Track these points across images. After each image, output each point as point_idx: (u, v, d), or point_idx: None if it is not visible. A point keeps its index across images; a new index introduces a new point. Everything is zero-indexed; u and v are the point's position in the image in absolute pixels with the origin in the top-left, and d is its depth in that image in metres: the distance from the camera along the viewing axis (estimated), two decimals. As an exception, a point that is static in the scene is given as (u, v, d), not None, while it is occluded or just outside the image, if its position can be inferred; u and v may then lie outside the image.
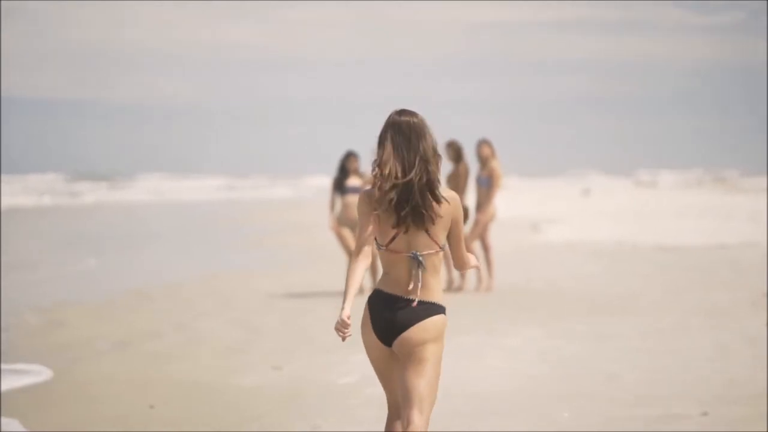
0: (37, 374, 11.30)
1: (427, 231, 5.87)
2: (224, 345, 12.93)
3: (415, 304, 5.88)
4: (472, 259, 6.18)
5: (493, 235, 18.28)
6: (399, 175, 5.86)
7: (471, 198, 18.52)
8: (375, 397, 9.73)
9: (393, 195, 5.84)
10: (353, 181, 17.58)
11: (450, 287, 17.47)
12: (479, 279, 17.69)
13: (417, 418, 5.85)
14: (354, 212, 17.18)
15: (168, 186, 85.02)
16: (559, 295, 16.76)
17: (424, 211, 5.85)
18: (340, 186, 17.78)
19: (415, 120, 5.93)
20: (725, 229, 30.55)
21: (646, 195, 63.70)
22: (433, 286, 5.92)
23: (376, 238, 5.93)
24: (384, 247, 5.91)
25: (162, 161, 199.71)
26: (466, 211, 17.59)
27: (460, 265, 6.13)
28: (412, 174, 5.84)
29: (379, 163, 5.92)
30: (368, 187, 6.03)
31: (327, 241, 25.59)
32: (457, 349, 11.98)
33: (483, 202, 17.77)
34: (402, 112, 5.97)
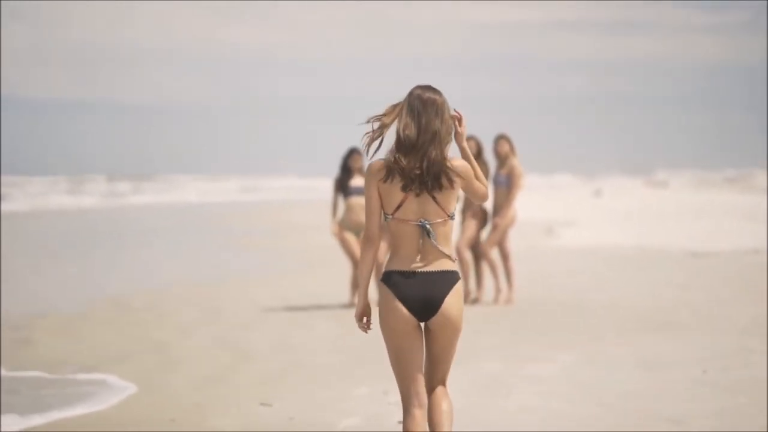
0: None
1: (434, 198, 5.86)
2: (204, 371, 11.03)
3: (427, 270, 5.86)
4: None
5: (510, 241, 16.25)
6: (415, 138, 5.86)
7: (489, 200, 16.55)
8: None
9: (409, 158, 5.83)
10: (357, 182, 15.59)
11: (466, 299, 15.45)
12: (497, 290, 15.73)
13: (445, 394, 5.96)
14: (359, 216, 15.26)
15: (173, 186, 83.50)
16: (587, 309, 14.85)
17: (436, 174, 5.83)
18: (342, 187, 15.80)
19: (438, 98, 5.95)
20: (751, 232, 28.74)
21: (659, 195, 61.90)
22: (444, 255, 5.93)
23: (384, 211, 5.91)
24: (391, 216, 5.89)
25: (168, 161, 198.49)
26: (484, 214, 15.91)
27: (481, 194, 6.03)
28: (428, 140, 5.85)
29: (398, 128, 5.91)
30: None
31: (329, 246, 23.74)
32: (476, 381, 10.07)
33: (502, 205, 15.79)
34: (426, 88, 5.97)
